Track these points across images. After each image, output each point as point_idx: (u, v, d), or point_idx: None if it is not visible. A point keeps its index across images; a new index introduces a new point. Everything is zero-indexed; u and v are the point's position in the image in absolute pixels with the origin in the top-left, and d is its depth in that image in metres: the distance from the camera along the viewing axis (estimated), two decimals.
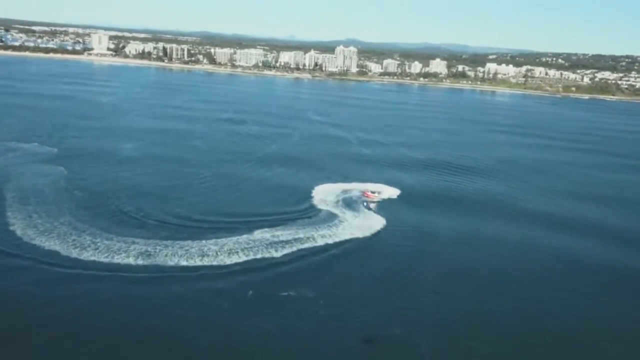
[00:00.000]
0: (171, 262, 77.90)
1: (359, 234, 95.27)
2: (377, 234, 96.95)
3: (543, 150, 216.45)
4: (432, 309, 71.78)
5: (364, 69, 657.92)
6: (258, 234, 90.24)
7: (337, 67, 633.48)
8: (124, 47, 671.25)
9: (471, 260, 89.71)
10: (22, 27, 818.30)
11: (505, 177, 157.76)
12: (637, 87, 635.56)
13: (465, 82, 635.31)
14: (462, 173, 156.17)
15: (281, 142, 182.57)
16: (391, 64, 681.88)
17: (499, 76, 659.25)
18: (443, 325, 67.90)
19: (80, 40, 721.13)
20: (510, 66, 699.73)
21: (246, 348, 60.83)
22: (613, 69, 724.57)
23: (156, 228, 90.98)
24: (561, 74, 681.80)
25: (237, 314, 66.64)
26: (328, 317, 67.45)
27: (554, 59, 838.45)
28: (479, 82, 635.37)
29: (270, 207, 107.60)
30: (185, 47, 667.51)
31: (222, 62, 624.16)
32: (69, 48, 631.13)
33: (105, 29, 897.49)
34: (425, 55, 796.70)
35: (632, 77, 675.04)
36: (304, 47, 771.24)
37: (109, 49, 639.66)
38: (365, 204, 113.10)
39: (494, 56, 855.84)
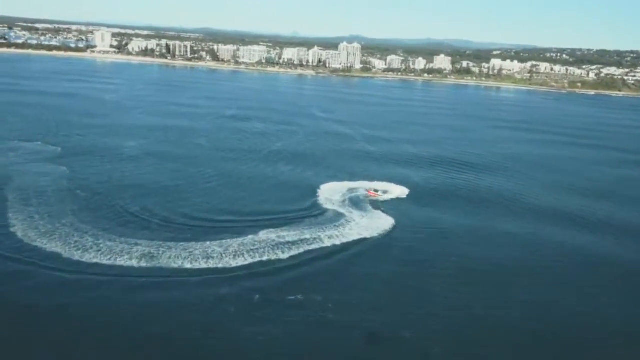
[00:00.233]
0: (175, 264, 76.03)
1: (367, 234, 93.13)
2: (386, 234, 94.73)
3: (550, 146, 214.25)
4: (443, 312, 69.64)
5: (368, 66, 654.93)
6: (263, 235, 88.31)
7: (340, 63, 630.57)
8: (127, 44, 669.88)
9: (482, 260, 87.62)
10: (25, 24, 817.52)
11: (513, 173, 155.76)
12: None
13: (469, 78, 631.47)
14: (468, 170, 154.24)
15: (286, 140, 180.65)
16: (395, 60, 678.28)
17: (504, 72, 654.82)
18: (454, 330, 65.84)
19: (83, 37, 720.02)
20: (515, 62, 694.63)
21: (252, 355, 58.98)
22: (618, 65, 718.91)
23: (159, 229, 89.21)
24: (567, 69, 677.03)
25: (243, 319, 64.62)
26: (337, 322, 65.38)
27: (559, 54, 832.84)
28: (483, 78, 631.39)
29: (275, 207, 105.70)
30: (188, 44, 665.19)
31: (225, 59, 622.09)
32: (72, 45, 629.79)
33: (108, 26, 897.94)
34: (428, 51, 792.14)
35: (638, 72, 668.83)
36: (307, 43, 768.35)
37: (112, 46, 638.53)
38: (371, 203, 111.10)
39: (498, 52, 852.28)
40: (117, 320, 63.04)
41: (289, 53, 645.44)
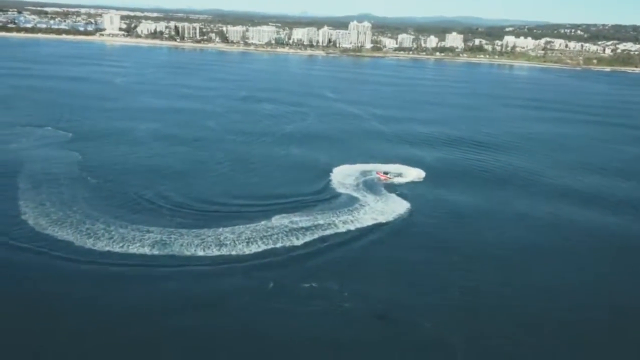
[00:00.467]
0: (187, 252, 74.83)
1: (382, 218, 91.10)
2: (401, 219, 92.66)
3: (565, 124, 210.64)
4: (462, 300, 67.87)
5: (379, 45, 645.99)
6: (276, 221, 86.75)
7: (351, 43, 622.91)
8: (135, 27, 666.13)
9: (501, 244, 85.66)
10: (34, 8, 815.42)
11: (529, 153, 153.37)
12: None
13: (482, 56, 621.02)
14: (483, 150, 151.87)
15: (297, 122, 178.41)
16: (406, 39, 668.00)
17: (517, 49, 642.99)
18: (474, 318, 64.11)
19: (92, 20, 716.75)
20: (529, 39, 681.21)
21: (268, 344, 57.88)
22: (635, 40, 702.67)
23: (171, 215, 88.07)
24: (582, 45, 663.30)
25: (258, 308, 63.42)
26: (353, 310, 63.93)
27: (573, 30, 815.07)
28: (496, 56, 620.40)
29: (287, 191, 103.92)
30: (197, 25, 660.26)
31: (234, 41, 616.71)
32: (81, 29, 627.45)
33: (117, 8, 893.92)
34: (440, 29, 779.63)
35: None
36: (316, 23, 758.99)
37: (120, 29, 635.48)
38: (385, 186, 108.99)
39: (511, 29, 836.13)
40: (130, 309, 62.11)
41: (299, 33, 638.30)
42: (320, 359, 56.91)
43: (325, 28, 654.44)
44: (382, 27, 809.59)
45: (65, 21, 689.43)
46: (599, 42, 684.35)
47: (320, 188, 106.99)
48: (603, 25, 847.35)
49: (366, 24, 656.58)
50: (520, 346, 59.96)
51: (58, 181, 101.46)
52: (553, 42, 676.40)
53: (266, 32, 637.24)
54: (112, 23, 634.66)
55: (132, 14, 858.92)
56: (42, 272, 68.97)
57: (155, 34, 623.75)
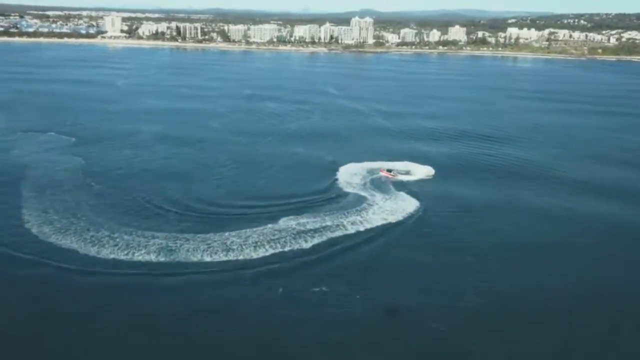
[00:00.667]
0: (194, 257, 73.17)
1: (392, 218, 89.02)
2: (412, 218, 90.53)
3: (573, 115, 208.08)
4: (477, 304, 65.43)
5: (381, 40, 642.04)
6: (283, 223, 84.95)
7: (353, 39, 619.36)
8: (137, 28, 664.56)
9: (514, 243, 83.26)
10: (36, 12, 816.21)
11: (537, 145, 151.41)
12: None
13: (485, 48, 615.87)
14: (491, 143, 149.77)
15: (301, 120, 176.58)
16: (409, 34, 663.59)
17: (521, 41, 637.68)
18: (490, 323, 61.77)
19: (94, 23, 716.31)
20: (532, 30, 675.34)
21: (279, 351, 56.25)
22: (639, 28, 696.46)
23: (176, 219, 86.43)
24: (586, 35, 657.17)
25: (267, 315, 61.67)
26: (366, 316, 62.15)
27: (576, 20, 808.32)
28: (500, 48, 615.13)
29: (293, 192, 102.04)
30: (198, 25, 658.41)
31: (236, 40, 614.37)
32: (83, 32, 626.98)
33: (118, 10, 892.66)
34: (442, 22, 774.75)
35: None
36: (318, 19, 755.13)
37: (122, 31, 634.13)
38: (394, 184, 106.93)
39: (514, 20, 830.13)
40: (137, 321, 60.42)
41: (300, 30, 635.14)
42: None
43: (327, 25, 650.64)
44: (384, 22, 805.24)
45: (67, 24, 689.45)
46: (603, 32, 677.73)
47: (327, 188, 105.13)
48: (606, 14, 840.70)
49: (368, 19, 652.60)
50: (539, 351, 57.99)
51: (61, 187, 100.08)
52: (557, 33, 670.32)
53: (268, 30, 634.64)
54: (113, 25, 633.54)
55: (133, 15, 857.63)
56: (46, 283, 67.29)
57: (156, 35, 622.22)
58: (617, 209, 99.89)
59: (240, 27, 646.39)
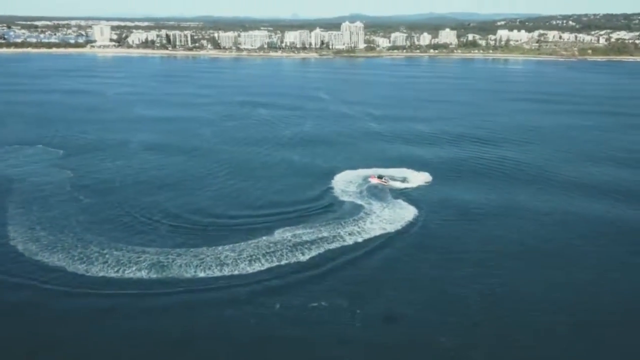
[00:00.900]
0: (187, 274, 70.42)
1: (391, 228, 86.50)
2: (410, 227, 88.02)
3: (565, 116, 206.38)
4: (481, 316, 63.19)
5: (372, 45, 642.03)
6: (278, 235, 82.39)
7: (344, 44, 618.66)
8: (126, 37, 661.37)
9: (516, 250, 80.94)
10: (24, 23, 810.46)
11: (533, 147, 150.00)
12: None
13: (476, 51, 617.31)
14: (487, 146, 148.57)
15: (294, 127, 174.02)
16: (399, 37, 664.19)
17: (511, 43, 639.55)
18: (496, 336, 59.63)
19: (83, 32, 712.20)
20: (522, 32, 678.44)
21: None
22: (627, 28, 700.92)
23: (167, 233, 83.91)
24: (575, 36, 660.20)
25: (264, 332, 59.11)
26: (365, 331, 59.66)
27: (565, 21, 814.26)
28: (491, 51, 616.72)
29: (288, 202, 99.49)
30: (188, 33, 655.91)
31: (226, 47, 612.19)
32: (72, 41, 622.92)
33: (107, 19, 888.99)
34: (432, 25, 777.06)
35: None
36: (308, 25, 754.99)
37: (111, 39, 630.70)
38: (391, 191, 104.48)
39: (503, 22, 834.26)
40: (129, 341, 57.65)
41: (291, 36, 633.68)
42: None
43: (318, 30, 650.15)
44: (374, 26, 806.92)
45: (55, 34, 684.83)
46: (592, 32, 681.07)
47: (322, 197, 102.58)
48: (594, 15, 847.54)
49: (358, 24, 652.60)
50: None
51: (48, 202, 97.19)
52: (546, 34, 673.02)
53: (258, 37, 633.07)
54: (102, 34, 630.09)
55: (122, 24, 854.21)
56: (32, 305, 64.33)
57: (146, 44, 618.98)
58: (614, 209, 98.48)
59: (231, 34, 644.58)
